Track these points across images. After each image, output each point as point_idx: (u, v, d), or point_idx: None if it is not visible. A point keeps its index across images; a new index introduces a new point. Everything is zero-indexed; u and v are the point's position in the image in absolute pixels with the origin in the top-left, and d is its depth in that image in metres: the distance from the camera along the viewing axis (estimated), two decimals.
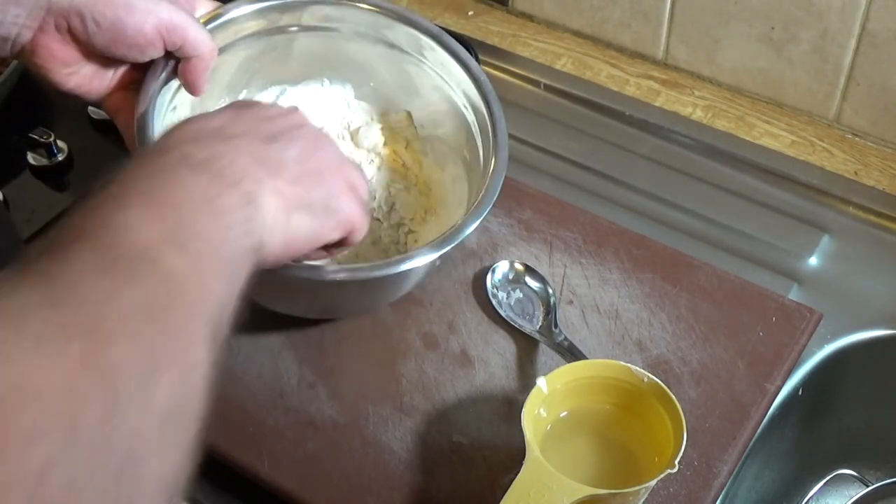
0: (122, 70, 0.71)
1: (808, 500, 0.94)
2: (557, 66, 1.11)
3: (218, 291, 0.50)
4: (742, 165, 1.00)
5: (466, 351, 0.83)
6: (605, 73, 1.11)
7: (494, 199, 0.75)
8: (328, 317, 0.83)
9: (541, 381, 0.71)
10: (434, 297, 0.86)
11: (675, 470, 0.67)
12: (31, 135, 0.99)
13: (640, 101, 1.07)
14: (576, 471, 0.71)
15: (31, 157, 1.00)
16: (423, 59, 0.84)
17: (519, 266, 0.86)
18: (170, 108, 0.74)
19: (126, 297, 0.45)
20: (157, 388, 0.44)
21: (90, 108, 1.04)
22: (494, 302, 0.84)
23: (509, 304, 0.84)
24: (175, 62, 0.71)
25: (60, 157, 1.00)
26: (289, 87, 0.85)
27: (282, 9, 0.81)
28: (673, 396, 0.71)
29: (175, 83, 0.74)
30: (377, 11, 0.83)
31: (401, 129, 0.88)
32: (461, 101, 0.83)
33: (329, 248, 0.65)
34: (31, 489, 0.37)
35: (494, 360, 0.82)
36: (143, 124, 0.69)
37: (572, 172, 1.00)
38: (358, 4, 0.82)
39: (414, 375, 0.81)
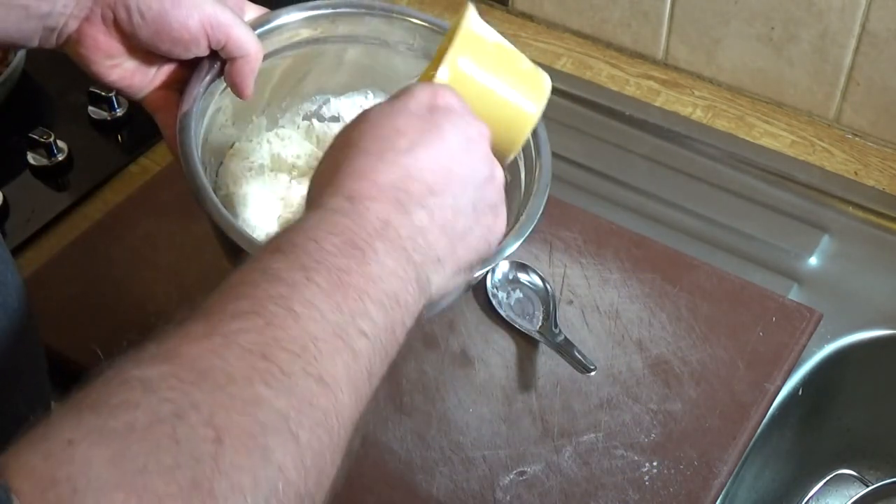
0: (165, 68, 0.70)
1: (808, 500, 0.94)
2: (557, 66, 1.11)
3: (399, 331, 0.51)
4: (742, 165, 1.00)
5: (466, 351, 0.83)
6: (605, 73, 1.11)
7: (536, 221, 0.73)
8: None
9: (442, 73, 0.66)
10: None
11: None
12: (31, 135, 0.99)
13: (640, 101, 1.07)
14: None
15: (31, 157, 1.00)
16: None
17: (519, 266, 0.86)
18: (214, 109, 0.74)
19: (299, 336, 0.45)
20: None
21: (90, 107, 1.04)
22: (494, 302, 0.84)
23: (509, 305, 0.84)
24: (221, 63, 0.70)
25: (60, 157, 1.00)
26: (332, 98, 0.84)
27: (332, 18, 0.80)
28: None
29: (220, 85, 0.73)
30: (428, 27, 0.82)
31: None
32: None
33: None
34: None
35: (494, 360, 0.82)
36: (184, 125, 0.68)
37: (572, 172, 1.00)
38: (408, 18, 0.82)
39: (414, 375, 0.81)
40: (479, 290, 0.85)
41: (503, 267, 0.86)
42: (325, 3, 0.79)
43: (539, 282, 0.86)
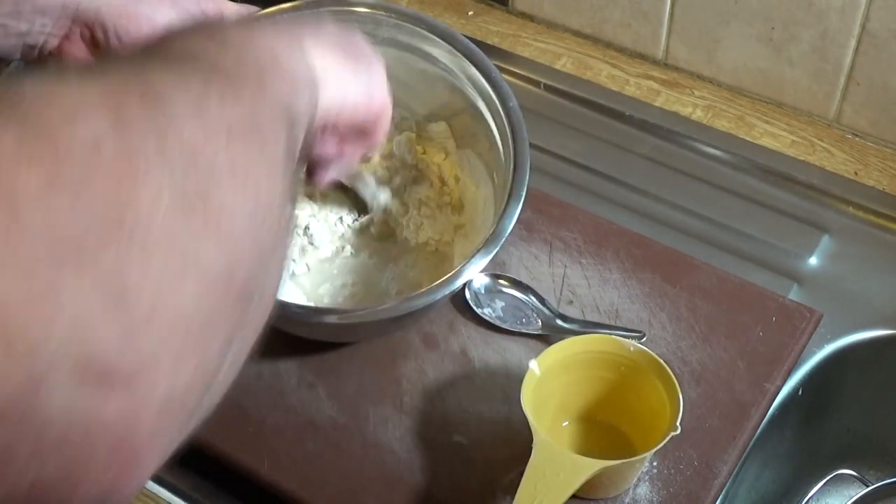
0: None
1: (808, 500, 0.94)
2: (557, 66, 1.11)
3: (283, 88, 0.47)
4: (742, 165, 1.00)
5: (466, 351, 0.83)
6: (605, 73, 1.10)
7: (506, 235, 0.76)
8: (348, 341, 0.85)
9: (532, 364, 0.72)
10: None
11: (678, 432, 0.68)
12: None
13: (640, 101, 1.07)
14: (579, 445, 0.76)
15: None
16: (458, 76, 0.84)
17: (492, 277, 0.86)
18: None
19: (174, 64, 0.42)
20: (213, 103, 0.41)
21: None
22: (486, 317, 0.84)
23: (499, 317, 0.84)
24: None
25: None
26: None
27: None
28: (660, 360, 0.73)
29: None
30: (417, 25, 0.82)
31: (440, 140, 0.89)
32: (493, 127, 0.83)
33: (364, 142, 0.64)
34: (86, 156, 0.35)
35: (494, 360, 0.82)
36: None
37: (572, 172, 1.00)
38: (400, 21, 0.82)
39: (414, 375, 0.81)
40: (467, 312, 0.85)
41: (476, 283, 0.86)
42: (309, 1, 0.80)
43: (514, 285, 0.86)
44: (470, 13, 1.17)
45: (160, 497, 0.77)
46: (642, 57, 1.11)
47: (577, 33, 1.14)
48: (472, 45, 0.83)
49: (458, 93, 0.85)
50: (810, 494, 0.94)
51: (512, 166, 0.78)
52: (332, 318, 0.75)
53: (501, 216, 0.76)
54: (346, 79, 0.56)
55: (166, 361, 0.35)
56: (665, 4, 1.06)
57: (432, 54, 0.84)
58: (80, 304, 0.33)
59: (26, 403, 0.32)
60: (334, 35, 0.57)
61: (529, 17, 1.17)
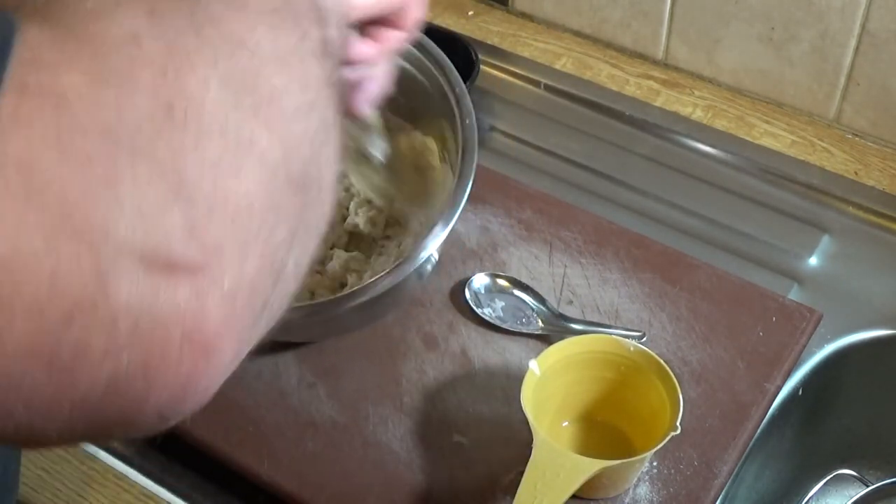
0: None
1: (808, 500, 0.94)
2: (557, 66, 1.11)
3: None
4: (742, 165, 1.00)
5: (466, 351, 0.83)
6: (605, 73, 1.11)
7: (461, 207, 0.74)
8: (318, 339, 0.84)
9: (532, 364, 0.72)
10: (434, 297, 0.86)
11: (678, 432, 0.68)
12: None
13: (640, 101, 1.07)
14: (579, 445, 0.76)
15: None
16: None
17: (492, 276, 0.86)
18: None
19: None
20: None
21: None
22: (486, 317, 0.84)
23: (499, 316, 0.84)
24: None
25: None
26: None
27: None
28: (660, 360, 0.73)
29: None
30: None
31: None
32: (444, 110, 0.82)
33: (401, 23, 0.61)
34: (126, 50, 0.34)
35: (494, 360, 0.82)
36: None
37: (572, 172, 1.00)
38: None
39: (414, 375, 0.81)
40: (467, 311, 0.85)
41: (477, 282, 0.86)
42: None
43: (514, 285, 0.86)
44: (470, 13, 1.17)
45: (160, 497, 0.77)
46: (642, 57, 1.11)
47: (577, 33, 1.14)
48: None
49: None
50: (810, 494, 0.94)
51: (460, 153, 0.77)
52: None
53: (451, 198, 0.74)
54: None
55: (232, 248, 0.35)
56: (665, 4, 1.06)
57: None
58: (141, 194, 0.33)
59: (96, 294, 0.32)
60: None
61: (529, 17, 1.17)
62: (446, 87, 0.79)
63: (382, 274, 0.72)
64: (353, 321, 0.81)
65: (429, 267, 0.80)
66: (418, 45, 0.80)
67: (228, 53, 0.37)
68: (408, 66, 0.81)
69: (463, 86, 0.78)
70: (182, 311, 0.34)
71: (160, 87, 0.34)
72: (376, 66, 0.62)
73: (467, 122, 0.76)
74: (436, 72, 0.80)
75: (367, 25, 0.59)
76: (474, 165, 0.74)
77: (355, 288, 0.73)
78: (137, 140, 0.33)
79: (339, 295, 0.75)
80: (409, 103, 0.84)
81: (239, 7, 0.39)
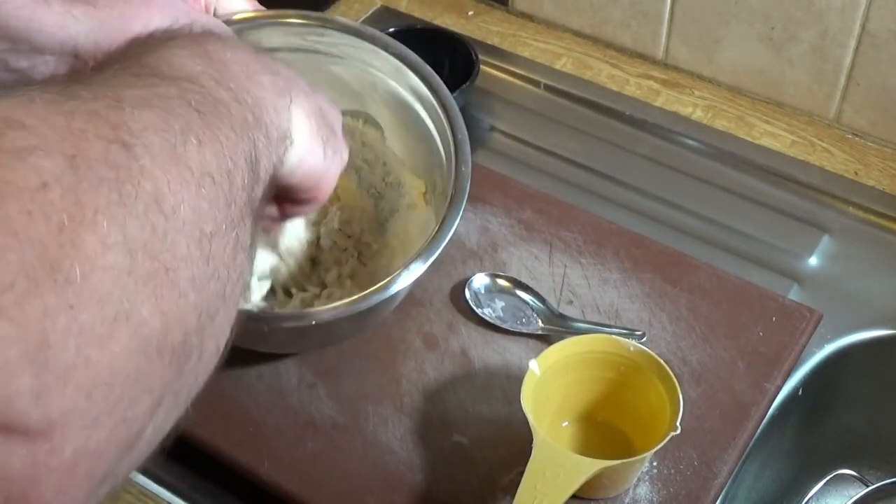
0: None
1: (808, 500, 0.94)
2: (557, 66, 1.11)
3: (260, 144, 0.45)
4: (742, 165, 1.00)
5: (466, 351, 0.83)
6: (605, 73, 1.11)
7: (444, 244, 0.72)
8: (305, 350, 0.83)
9: (532, 364, 0.72)
10: (434, 297, 0.86)
11: (678, 432, 0.68)
12: None
13: (640, 101, 1.07)
14: (579, 445, 0.76)
15: None
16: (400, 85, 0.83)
17: (492, 276, 0.86)
18: None
19: (161, 90, 0.40)
20: (190, 150, 0.39)
21: None
22: (486, 317, 0.84)
23: (499, 316, 0.84)
24: None
25: None
26: None
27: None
28: (660, 360, 0.73)
29: None
30: (357, 36, 0.82)
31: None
32: (435, 134, 0.81)
33: (289, 206, 0.62)
34: (30, 198, 0.33)
35: (494, 360, 0.82)
36: None
37: (572, 172, 1.00)
38: (333, 30, 0.82)
39: (414, 375, 0.81)
40: (467, 311, 0.85)
41: (477, 282, 0.86)
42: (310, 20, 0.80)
43: (514, 285, 0.86)
44: (470, 13, 1.17)
45: (160, 497, 0.77)
46: (642, 57, 1.11)
47: (577, 33, 1.14)
48: (408, 51, 0.81)
49: (403, 103, 0.83)
50: (810, 494, 0.94)
51: (453, 175, 0.76)
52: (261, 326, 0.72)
53: (436, 233, 0.73)
54: (313, 148, 0.55)
55: (81, 420, 0.34)
56: (665, 4, 1.06)
57: (373, 64, 0.82)
58: None
59: None
60: (319, 104, 0.57)
61: (529, 17, 1.17)
62: (448, 130, 0.78)
63: (351, 299, 0.70)
64: (313, 339, 0.81)
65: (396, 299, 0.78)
66: (428, 84, 0.80)
67: (141, 214, 0.36)
68: (416, 106, 0.82)
69: (465, 132, 0.77)
70: (13, 476, 0.33)
71: (51, 243, 0.33)
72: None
73: (462, 169, 0.75)
74: (441, 113, 0.79)
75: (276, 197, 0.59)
76: (461, 211, 0.73)
77: (318, 309, 0.72)
78: (6, 297, 0.32)
79: (293, 311, 0.75)
80: (411, 141, 0.84)
81: (174, 163, 0.38)
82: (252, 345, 0.79)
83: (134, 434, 0.37)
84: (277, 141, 0.49)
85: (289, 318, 0.73)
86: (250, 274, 0.43)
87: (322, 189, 0.59)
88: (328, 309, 0.70)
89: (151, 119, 0.39)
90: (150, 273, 0.36)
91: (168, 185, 0.37)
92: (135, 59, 0.44)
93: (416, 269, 0.70)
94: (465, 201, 0.74)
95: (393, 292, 0.70)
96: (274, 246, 0.81)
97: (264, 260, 0.81)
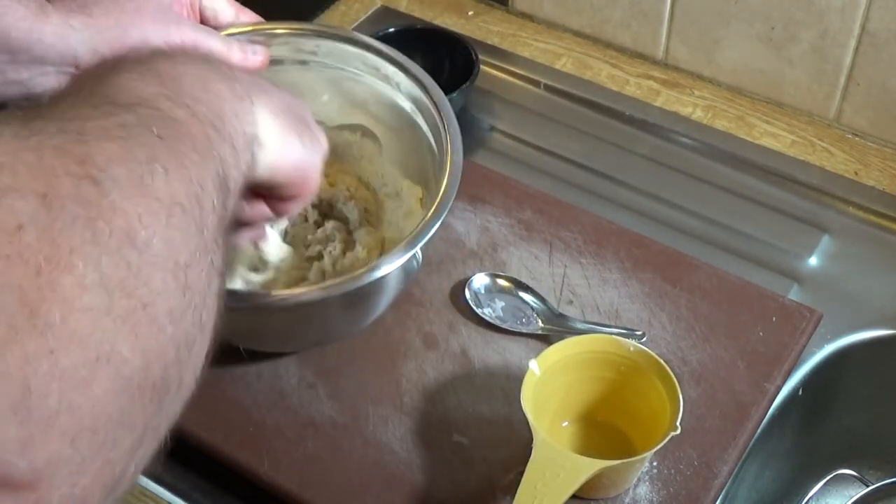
0: None
1: (808, 500, 0.94)
2: (557, 66, 1.11)
3: (227, 157, 0.45)
4: (742, 165, 1.00)
5: (466, 351, 0.83)
6: (605, 73, 1.11)
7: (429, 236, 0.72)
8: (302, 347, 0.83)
9: (532, 364, 0.72)
10: (434, 297, 0.86)
11: (678, 432, 0.68)
12: None
13: (640, 101, 1.07)
14: (579, 445, 0.76)
15: None
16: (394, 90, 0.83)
17: (492, 276, 0.86)
18: None
19: (120, 118, 0.40)
20: (157, 180, 0.38)
21: None
22: (486, 317, 0.84)
23: (499, 316, 0.84)
24: None
25: None
26: None
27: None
28: (660, 360, 0.73)
29: None
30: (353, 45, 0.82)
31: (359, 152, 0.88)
32: (430, 137, 0.81)
33: (281, 204, 0.62)
34: (5, 242, 0.33)
35: (494, 360, 0.82)
36: None
37: (572, 172, 1.00)
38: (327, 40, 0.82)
39: (414, 375, 0.81)
40: (467, 311, 0.85)
41: (477, 282, 0.86)
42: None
43: (514, 285, 0.85)
44: (470, 13, 1.17)
45: (160, 497, 0.77)
46: (642, 57, 1.11)
47: (577, 33, 1.14)
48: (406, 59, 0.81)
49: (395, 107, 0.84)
50: (810, 494, 0.94)
51: (445, 175, 0.76)
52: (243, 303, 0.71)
53: (424, 224, 0.73)
54: (288, 143, 0.55)
55: (67, 467, 0.34)
56: (665, 4, 1.06)
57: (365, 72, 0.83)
58: None
59: None
60: (285, 100, 0.56)
61: (529, 17, 1.17)
62: (441, 126, 0.78)
63: (325, 284, 0.70)
64: (305, 334, 0.81)
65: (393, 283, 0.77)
66: (429, 95, 0.80)
67: (115, 251, 0.35)
68: (415, 116, 0.82)
69: (457, 127, 0.78)
70: None
71: (29, 288, 0.33)
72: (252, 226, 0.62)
73: (455, 158, 0.75)
74: (434, 112, 0.79)
75: (251, 194, 0.58)
76: (451, 201, 0.73)
77: (293, 291, 0.72)
78: None
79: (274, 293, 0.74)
80: (407, 146, 0.84)
81: (143, 194, 0.38)
82: (247, 343, 0.79)
83: (118, 474, 0.36)
84: (244, 148, 0.48)
85: (253, 298, 0.72)
86: (223, 295, 0.43)
87: (309, 182, 0.59)
88: (302, 292, 0.70)
89: (116, 151, 0.38)
90: (128, 311, 0.35)
91: (139, 219, 0.37)
92: (87, 89, 0.44)
93: (398, 257, 0.70)
94: (455, 190, 0.74)
95: (368, 280, 0.69)
96: (265, 263, 0.81)
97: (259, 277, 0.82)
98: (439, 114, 0.79)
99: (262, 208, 0.61)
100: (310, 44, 0.82)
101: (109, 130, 0.39)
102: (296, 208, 0.62)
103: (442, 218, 0.72)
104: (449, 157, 0.76)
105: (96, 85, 0.44)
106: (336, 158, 0.87)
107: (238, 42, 0.72)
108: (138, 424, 0.37)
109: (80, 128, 0.39)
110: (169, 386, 0.38)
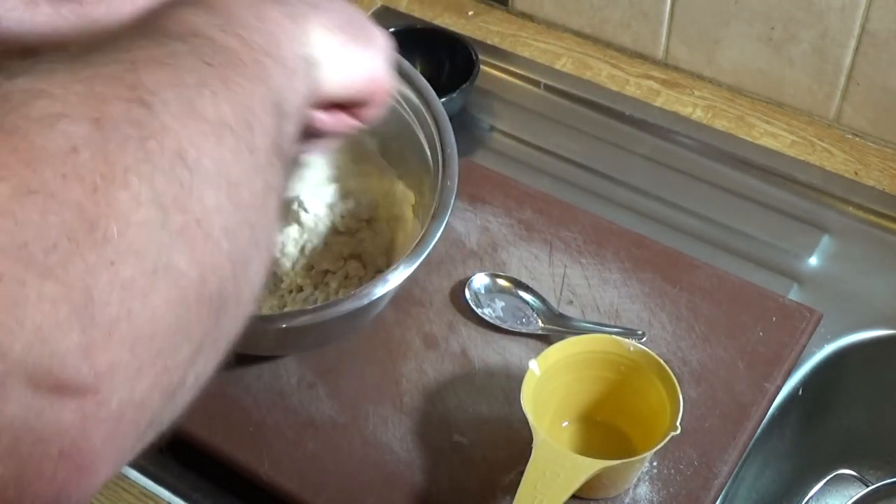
0: None
1: (808, 500, 0.94)
2: (557, 66, 1.11)
3: (279, 81, 0.45)
4: (742, 165, 1.00)
5: (466, 351, 0.83)
6: (605, 73, 1.11)
7: (430, 247, 0.73)
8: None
9: (532, 364, 0.72)
10: (434, 297, 0.86)
11: (678, 432, 0.68)
12: None
13: (640, 101, 1.07)
14: (579, 445, 0.76)
15: None
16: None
17: (492, 276, 0.86)
18: None
19: (172, 48, 0.41)
20: (206, 103, 0.40)
21: None
22: (486, 317, 0.84)
23: (499, 316, 0.84)
24: None
25: None
26: None
27: None
28: (660, 360, 0.73)
29: None
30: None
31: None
32: (426, 146, 0.81)
33: (360, 112, 0.62)
34: (61, 162, 0.34)
35: (494, 360, 0.82)
36: None
37: (572, 172, 1.00)
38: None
39: (414, 375, 0.81)
40: (467, 311, 0.85)
41: (477, 282, 0.86)
42: None
43: (514, 285, 0.86)
44: (470, 13, 1.17)
45: (160, 497, 0.77)
46: (642, 57, 1.11)
47: (577, 33, 1.14)
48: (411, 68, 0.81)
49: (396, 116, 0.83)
50: (810, 494, 0.94)
51: (438, 189, 0.76)
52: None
53: (420, 239, 0.73)
54: (349, 57, 0.55)
55: (126, 372, 0.35)
56: (665, 4, 1.06)
57: None
58: (44, 313, 0.33)
59: None
60: (341, 13, 0.56)
61: (529, 17, 1.17)
62: (438, 144, 0.78)
63: (320, 305, 0.71)
64: (300, 342, 0.81)
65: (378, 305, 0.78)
66: (422, 97, 0.79)
67: (167, 170, 0.37)
68: (406, 114, 0.81)
69: (454, 147, 0.77)
70: (64, 431, 0.34)
71: (87, 203, 0.34)
72: (327, 136, 0.63)
73: (448, 184, 0.75)
74: (432, 126, 0.79)
75: (329, 107, 0.59)
76: (443, 226, 0.73)
77: (296, 309, 0.72)
78: (51, 258, 0.33)
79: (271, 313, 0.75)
80: (399, 151, 0.84)
81: (192, 117, 0.39)
82: (243, 348, 0.79)
83: (176, 382, 0.38)
84: (300, 70, 0.49)
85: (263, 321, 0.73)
86: (283, 215, 0.44)
87: (380, 88, 0.60)
88: (296, 312, 0.71)
89: (166, 77, 0.40)
90: (182, 225, 0.37)
91: (189, 140, 0.38)
92: (144, 24, 0.45)
93: (395, 280, 0.70)
94: (447, 216, 0.74)
95: (365, 303, 0.70)
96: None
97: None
98: (438, 130, 0.78)
99: (343, 118, 0.61)
100: None
101: (160, 59, 0.41)
102: (375, 113, 0.63)
103: (435, 240, 0.72)
104: (441, 178, 0.76)
105: (152, 20, 0.45)
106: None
107: None
108: (196, 336, 0.38)
109: (132, 58, 0.40)
110: (226, 301, 0.39)
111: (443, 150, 0.77)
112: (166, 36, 0.43)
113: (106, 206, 0.35)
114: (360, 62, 0.57)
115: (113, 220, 0.35)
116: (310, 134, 0.60)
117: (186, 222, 0.37)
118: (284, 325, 0.71)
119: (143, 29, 0.44)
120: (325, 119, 0.60)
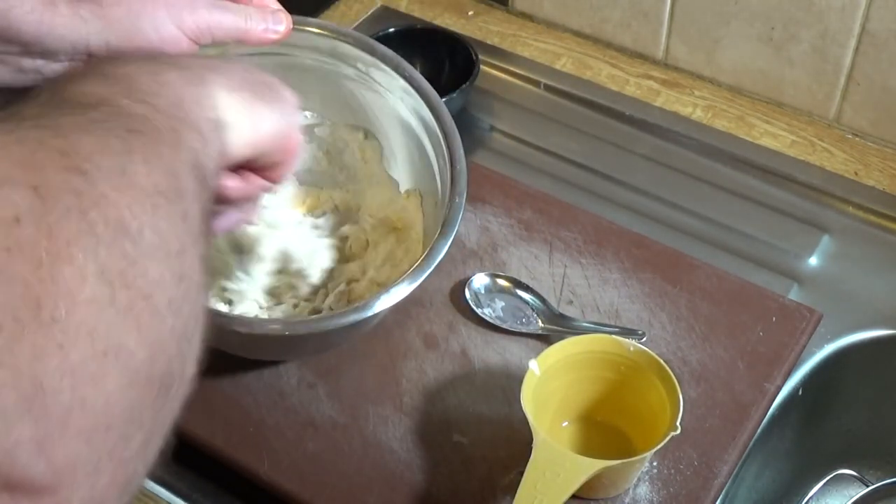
0: None
1: (808, 500, 0.94)
2: (557, 66, 1.11)
3: (195, 145, 0.44)
4: (742, 165, 1.00)
5: (466, 351, 0.83)
6: (605, 73, 1.11)
7: (435, 264, 0.72)
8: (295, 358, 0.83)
9: (532, 364, 0.72)
10: (434, 297, 0.86)
11: (678, 432, 0.68)
12: None
13: (640, 101, 1.07)
14: (579, 445, 0.76)
15: None
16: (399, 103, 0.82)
17: (492, 276, 0.86)
18: None
19: (90, 115, 0.39)
20: (138, 171, 0.37)
21: None
22: (486, 317, 0.84)
23: (499, 316, 0.84)
24: None
25: None
26: None
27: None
28: (660, 360, 0.73)
29: None
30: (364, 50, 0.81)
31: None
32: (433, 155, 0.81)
33: (271, 172, 0.60)
34: (4, 235, 0.32)
35: (494, 360, 0.82)
36: None
37: (572, 172, 1.00)
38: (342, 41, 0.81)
39: (414, 375, 0.81)
40: (467, 311, 0.85)
41: (477, 282, 0.86)
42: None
43: (514, 285, 0.85)
44: (470, 13, 1.17)
45: (160, 497, 0.77)
46: (642, 57, 1.11)
47: (577, 33, 1.14)
48: (416, 73, 0.80)
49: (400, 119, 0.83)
50: (810, 494, 0.94)
51: (447, 195, 0.76)
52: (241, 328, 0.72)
53: (430, 251, 0.73)
54: (256, 115, 0.54)
55: (85, 468, 0.33)
56: (665, 4, 1.06)
57: (376, 80, 0.82)
58: None
59: None
60: (243, 74, 0.55)
61: (529, 17, 1.17)
62: (447, 159, 0.78)
63: (320, 316, 0.72)
64: (297, 350, 0.82)
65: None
66: (434, 111, 0.79)
67: (110, 242, 0.35)
68: (418, 130, 0.81)
69: (465, 163, 0.77)
70: None
71: (32, 280, 0.32)
72: (240, 204, 0.61)
73: (457, 200, 0.75)
74: (442, 141, 0.79)
75: (239, 168, 0.58)
76: (449, 242, 0.73)
77: (304, 319, 0.72)
78: None
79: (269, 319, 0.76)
80: (410, 165, 0.84)
81: (127, 186, 0.37)
82: (246, 353, 0.79)
83: (131, 473, 0.36)
84: (211, 133, 0.48)
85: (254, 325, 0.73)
86: (210, 285, 0.42)
87: (291, 144, 0.59)
88: (298, 322, 0.72)
89: (94, 143, 0.38)
90: (130, 302, 0.35)
91: (129, 209, 0.36)
92: (47, 97, 0.43)
93: (397, 294, 0.70)
94: (454, 233, 0.74)
95: (367, 315, 0.70)
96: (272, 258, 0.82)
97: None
98: (448, 145, 0.78)
99: (254, 180, 0.60)
100: (310, 42, 0.82)
101: (83, 126, 0.39)
102: (287, 171, 0.61)
103: (442, 255, 0.72)
104: (449, 194, 0.76)
105: (53, 95, 0.44)
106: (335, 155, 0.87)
107: (258, 12, 0.70)
108: (147, 420, 0.36)
109: (54, 124, 0.38)
110: (173, 379, 0.38)
111: (452, 166, 0.77)
112: (76, 106, 0.41)
113: (51, 283, 0.32)
114: (267, 119, 0.55)
115: (60, 299, 0.32)
116: (219, 201, 0.57)
117: (133, 298, 0.35)
118: (287, 333, 0.71)
119: (49, 101, 0.42)
120: (234, 185, 0.58)
